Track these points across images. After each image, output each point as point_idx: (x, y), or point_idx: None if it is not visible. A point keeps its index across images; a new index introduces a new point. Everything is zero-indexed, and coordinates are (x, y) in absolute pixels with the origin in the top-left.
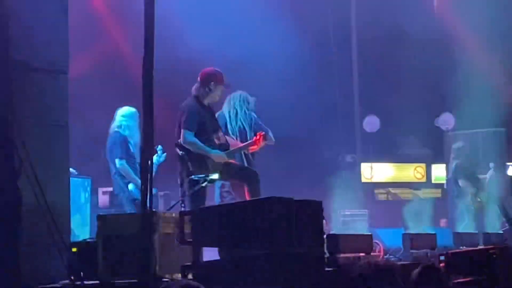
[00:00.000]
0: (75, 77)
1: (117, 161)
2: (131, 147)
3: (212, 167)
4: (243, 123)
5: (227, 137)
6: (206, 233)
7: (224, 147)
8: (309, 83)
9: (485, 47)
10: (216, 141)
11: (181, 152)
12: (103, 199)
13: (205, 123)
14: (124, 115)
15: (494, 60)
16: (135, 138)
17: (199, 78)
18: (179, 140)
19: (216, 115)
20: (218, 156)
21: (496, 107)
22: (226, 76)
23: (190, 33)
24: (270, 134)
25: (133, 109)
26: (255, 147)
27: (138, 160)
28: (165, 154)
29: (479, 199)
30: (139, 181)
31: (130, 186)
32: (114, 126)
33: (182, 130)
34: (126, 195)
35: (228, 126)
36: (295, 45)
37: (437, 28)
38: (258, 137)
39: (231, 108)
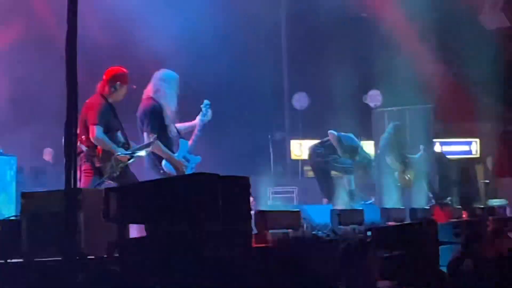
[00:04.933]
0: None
1: (145, 134)
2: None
3: (115, 164)
4: None
5: None
6: (132, 209)
7: (126, 146)
8: (238, 61)
9: (413, 24)
10: (119, 140)
11: (85, 148)
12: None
13: (109, 121)
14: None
15: (421, 37)
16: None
17: (104, 77)
18: (82, 136)
19: None
20: (122, 155)
21: (423, 84)
22: (131, 76)
23: None
24: None
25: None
26: (149, 148)
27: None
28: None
29: (407, 177)
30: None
31: (163, 162)
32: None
33: (92, 126)
34: (158, 170)
35: None
36: (223, 21)
37: (366, 6)
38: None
39: None
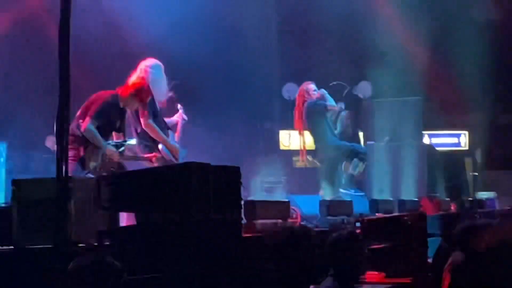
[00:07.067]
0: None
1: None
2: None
3: (102, 161)
4: None
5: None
6: (124, 198)
7: (120, 145)
8: (228, 50)
9: (404, 17)
10: (115, 138)
11: (80, 133)
12: None
13: (108, 120)
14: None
15: (411, 29)
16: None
17: (131, 87)
18: (80, 121)
19: None
20: (110, 151)
21: (413, 76)
22: None
23: None
24: None
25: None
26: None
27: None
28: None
29: (350, 169)
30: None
31: (160, 146)
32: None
33: (87, 117)
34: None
35: None
36: (213, 10)
37: None
38: (152, 156)
39: None
